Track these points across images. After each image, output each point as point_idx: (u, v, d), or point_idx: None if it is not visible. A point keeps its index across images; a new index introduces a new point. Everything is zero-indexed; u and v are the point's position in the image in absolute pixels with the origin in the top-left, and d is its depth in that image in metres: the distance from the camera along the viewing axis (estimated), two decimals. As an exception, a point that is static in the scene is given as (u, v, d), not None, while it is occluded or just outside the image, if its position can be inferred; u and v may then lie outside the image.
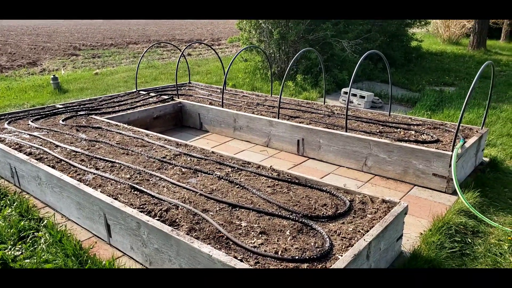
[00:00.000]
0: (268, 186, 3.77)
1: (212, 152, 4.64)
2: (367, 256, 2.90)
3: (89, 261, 3.26)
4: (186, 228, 3.07)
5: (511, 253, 3.49)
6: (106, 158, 4.41)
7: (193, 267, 2.86)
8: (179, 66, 12.63)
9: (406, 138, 5.02)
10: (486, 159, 5.40)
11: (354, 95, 8.39)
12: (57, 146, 4.80)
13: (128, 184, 3.79)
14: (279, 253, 2.77)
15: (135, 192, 3.68)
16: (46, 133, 5.29)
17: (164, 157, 4.47)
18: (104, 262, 3.23)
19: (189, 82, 8.98)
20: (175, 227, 3.10)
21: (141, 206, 3.42)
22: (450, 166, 4.42)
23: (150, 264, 3.26)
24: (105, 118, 6.08)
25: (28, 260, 3.29)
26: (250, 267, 2.59)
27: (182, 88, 8.35)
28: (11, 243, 3.52)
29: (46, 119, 6.03)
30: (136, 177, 4.00)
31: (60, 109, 6.51)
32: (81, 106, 6.77)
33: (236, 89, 8.43)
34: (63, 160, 4.35)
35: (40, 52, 19.26)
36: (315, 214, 3.28)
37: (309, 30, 10.11)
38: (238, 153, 5.88)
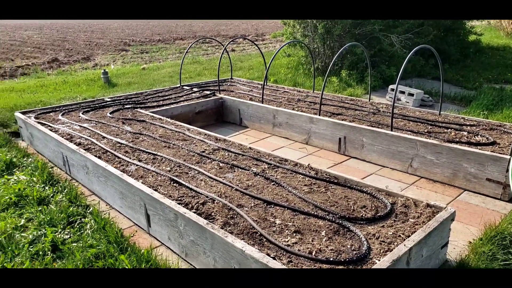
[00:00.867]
0: (305, 185, 3.71)
1: (250, 148, 4.64)
2: (407, 262, 2.77)
3: (129, 249, 3.36)
4: (221, 222, 3.09)
5: None
6: (149, 151, 4.53)
7: (227, 261, 2.87)
8: (222, 61, 12.79)
9: (457, 139, 4.75)
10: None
11: (402, 92, 8.06)
12: (103, 137, 5.00)
13: (168, 176, 3.87)
14: (313, 253, 2.72)
15: (174, 184, 3.76)
16: (94, 124, 5.53)
17: (203, 151, 4.52)
18: (142, 250, 3.32)
19: (231, 78, 9.04)
20: (210, 220, 3.13)
21: (179, 198, 3.48)
22: (507, 171, 4.12)
23: (186, 255, 3.32)
24: (150, 112, 6.26)
25: (75, 244, 3.45)
26: (283, 266, 2.55)
27: (224, 84, 8.42)
28: (61, 227, 3.71)
29: (95, 111, 6.30)
30: (176, 169, 4.08)
31: (108, 102, 6.78)
32: (128, 100, 7.02)
33: (277, 85, 8.38)
34: (109, 151, 4.53)
35: (93, 48, 20.20)
36: (353, 216, 3.18)
37: (356, 24, 9.83)
38: (277, 149, 5.84)
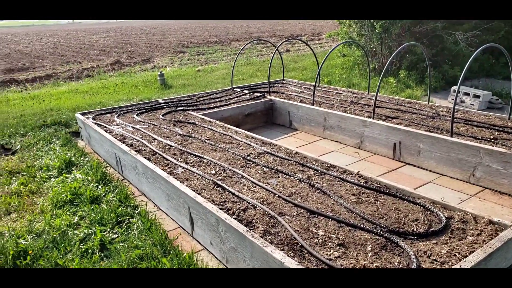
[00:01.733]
0: (353, 194, 3.52)
1: (296, 152, 4.52)
2: (462, 285, 2.51)
3: (171, 251, 3.39)
4: (261, 230, 3.01)
5: None
6: (196, 153, 4.57)
7: (266, 272, 2.79)
8: (276, 62, 12.73)
9: (527, 147, 4.29)
10: None
11: (467, 94, 7.49)
12: (154, 139, 5.13)
13: (212, 180, 3.87)
14: (357, 269, 2.55)
15: (218, 188, 3.74)
16: (147, 126, 5.70)
17: (248, 155, 4.47)
18: (184, 254, 3.33)
19: (283, 79, 8.94)
20: (251, 228, 3.06)
21: (221, 203, 3.45)
22: None
23: (227, 261, 3.28)
24: (200, 114, 6.34)
25: (121, 244, 3.56)
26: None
27: (275, 85, 8.34)
28: (110, 226, 3.84)
29: (149, 113, 6.51)
30: (221, 173, 4.06)
31: (162, 104, 6.97)
32: (180, 102, 7.17)
33: (330, 86, 8.15)
34: (158, 153, 4.63)
35: (153, 50, 21.06)
36: (403, 230, 2.96)
37: (416, 23, 9.30)
38: (326, 154, 5.65)
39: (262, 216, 3.20)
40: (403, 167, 5.12)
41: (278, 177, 3.93)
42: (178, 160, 4.41)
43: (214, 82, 10.63)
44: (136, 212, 4.09)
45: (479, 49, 4.67)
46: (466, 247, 2.74)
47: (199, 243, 3.63)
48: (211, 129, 5.50)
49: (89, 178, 4.80)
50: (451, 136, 4.73)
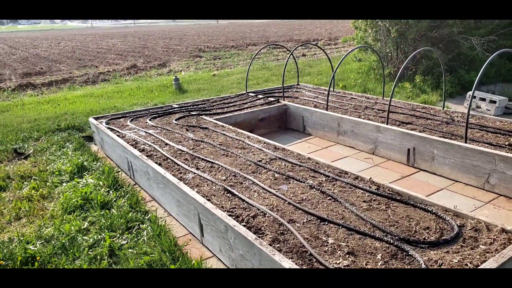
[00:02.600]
0: (364, 201, 3.48)
1: (308, 158, 4.49)
2: (475, 297, 2.44)
3: (180, 259, 3.39)
4: (270, 238, 2.99)
5: None
6: (207, 159, 4.58)
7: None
8: (292, 67, 12.72)
9: (545, 155, 4.17)
10: None
11: (483, 99, 7.35)
12: (166, 144, 5.16)
13: (223, 186, 3.86)
14: (365, 279, 2.50)
15: (228, 194, 3.74)
16: (159, 131, 5.75)
17: (260, 161, 4.46)
18: (193, 261, 3.33)
19: (297, 84, 8.91)
20: (260, 235, 3.04)
21: (231, 210, 3.44)
22: None
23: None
24: (213, 119, 6.36)
25: (131, 250, 3.57)
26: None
27: (289, 90, 8.32)
28: (120, 232, 3.87)
29: (162, 118, 6.56)
30: (231, 179, 4.06)
31: (176, 109, 7.03)
32: (194, 107, 7.21)
33: (345, 91, 8.08)
34: (169, 158, 4.65)
35: (170, 54, 21.28)
36: (414, 238, 2.90)
37: (432, 27, 9.17)
38: (340, 159, 5.60)
39: (271, 223, 3.19)
40: (417, 173, 5.04)
41: (289, 183, 3.90)
42: (189, 166, 4.43)
43: (229, 87, 10.67)
44: (147, 218, 4.11)
45: (494, 54, 4.57)
46: (478, 256, 2.67)
47: (209, 249, 3.63)
48: (224, 134, 5.51)
49: (101, 183, 4.85)
50: (466, 142, 4.63)
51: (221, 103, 7.48)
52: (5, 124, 7.81)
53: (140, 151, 4.90)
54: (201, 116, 6.54)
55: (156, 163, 4.52)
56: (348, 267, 2.64)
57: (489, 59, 4.52)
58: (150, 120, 6.36)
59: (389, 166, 5.32)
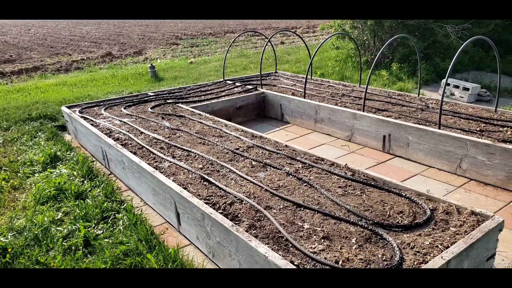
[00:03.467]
0: (339, 187, 3.51)
1: (286, 145, 4.49)
2: (445, 277, 2.51)
3: (157, 247, 3.37)
4: (247, 224, 2.99)
5: None
6: (183, 147, 4.53)
7: (251, 266, 2.77)
8: (270, 55, 12.65)
9: (513, 139, 4.30)
10: None
11: (457, 86, 7.50)
12: (141, 132, 5.08)
13: (199, 174, 3.83)
14: (340, 262, 2.54)
15: (205, 182, 3.71)
16: (134, 119, 5.64)
17: (237, 149, 4.44)
18: (170, 250, 3.31)
19: (276, 72, 8.89)
20: (236, 222, 3.04)
21: (208, 198, 3.43)
22: None
23: (213, 256, 3.26)
24: (190, 107, 6.28)
25: (106, 240, 3.52)
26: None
27: (267, 78, 8.30)
28: (95, 222, 3.80)
29: (137, 106, 6.44)
30: (208, 167, 4.03)
31: (151, 97, 6.91)
32: (170, 95, 7.11)
33: (323, 79, 8.11)
34: (145, 147, 4.58)
35: (146, 42, 20.85)
36: (388, 222, 2.95)
37: (408, 15, 9.26)
38: (317, 147, 5.64)
39: (248, 210, 3.19)
40: (392, 160, 5.12)
41: (266, 170, 3.90)
42: (165, 154, 4.37)
43: (206, 74, 10.55)
44: (122, 207, 4.05)
45: (467, 41, 4.66)
46: (448, 238, 2.74)
47: (186, 238, 3.61)
48: (201, 122, 5.46)
49: (75, 173, 4.74)
50: (439, 128, 4.73)
51: (198, 91, 7.40)
52: (-29, 113, 7.51)
53: (114, 140, 4.80)
54: (177, 104, 6.45)
55: (131, 152, 4.45)
56: (323, 251, 2.67)
57: (462, 46, 4.60)
58: (125, 108, 6.23)
59: (365, 152, 5.39)
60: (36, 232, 3.58)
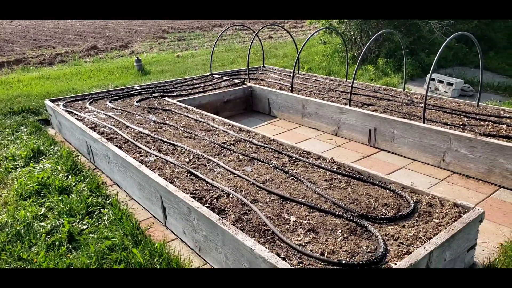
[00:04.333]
0: (325, 180, 3.54)
1: (273, 139, 4.50)
2: (427, 267, 2.56)
3: (143, 242, 3.35)
4: (233, 218, 3.00)
5: None
6: (170, 141, 4.50)
7: (237, 259, 2.78)
8: (258, 49, 12.61)
9: (495, 133, 4.38)
10: None
11: (441, 81, 7.60)
12: (127, 126, 5.03)
13: (185, 168, 3.82)
14: (325, 254, 2.57)
15: (191, 176, 3.70)
16: (120, 113, 5.58)
17: (224, 143, 4.44)
18: (156, 244, 3.29)
19: (263, 66, 8.87)
20: (223, 216, 3.04)
21: (194, 192, 3.42)
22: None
23: (199, 250, 3.26)
24: (177, 101, 6.24)
25: (91, 235, 3.49)
26: (291, 267, 2.43)
27: (255, 72, 8.28)
28: (79, 217, 3.76)
29: (123, 100, 6.37)
30: (195, 161, 4.02)
31: (137, 91, 6.83)
32: (157, 88, 7.04)
33: (310, 74, 8.13)
34: (130, 141, 4.54)
35: (133, 35, 20.56)
36: (372, 215, 2.99)
37: (394, 10, 9.32)
38: (304, 141, 5.66)
39: (235, 204, 3.19)
40: (378, 153, 5.18)
41: (253, 164, 3.91)
42: (150, 148, 4.34)
43: (193, 68, 10.47)
44: (108, 202, 4.01)
45: (450, 37, 4.72)
46: (431, 230, 2.79)
47: (172, 232, 3.60)
48: (187, 116, 5.43)
49: (59, 167, 4.67)
50: (424, 122, 4.79)
51: (184, 85, 7.35)
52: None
53: (99, 134, 4.75)
54: (163, 98, 6.40)
55: (117, 146, 4.40)
56: (309, 244, 2.69)
57: (445, 41, 4.66)
58: (110, 102, 6.16)
59: (352, 146, 5.43)
60: (18, 228, 3.52)
